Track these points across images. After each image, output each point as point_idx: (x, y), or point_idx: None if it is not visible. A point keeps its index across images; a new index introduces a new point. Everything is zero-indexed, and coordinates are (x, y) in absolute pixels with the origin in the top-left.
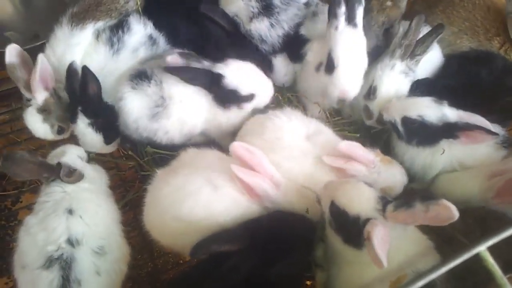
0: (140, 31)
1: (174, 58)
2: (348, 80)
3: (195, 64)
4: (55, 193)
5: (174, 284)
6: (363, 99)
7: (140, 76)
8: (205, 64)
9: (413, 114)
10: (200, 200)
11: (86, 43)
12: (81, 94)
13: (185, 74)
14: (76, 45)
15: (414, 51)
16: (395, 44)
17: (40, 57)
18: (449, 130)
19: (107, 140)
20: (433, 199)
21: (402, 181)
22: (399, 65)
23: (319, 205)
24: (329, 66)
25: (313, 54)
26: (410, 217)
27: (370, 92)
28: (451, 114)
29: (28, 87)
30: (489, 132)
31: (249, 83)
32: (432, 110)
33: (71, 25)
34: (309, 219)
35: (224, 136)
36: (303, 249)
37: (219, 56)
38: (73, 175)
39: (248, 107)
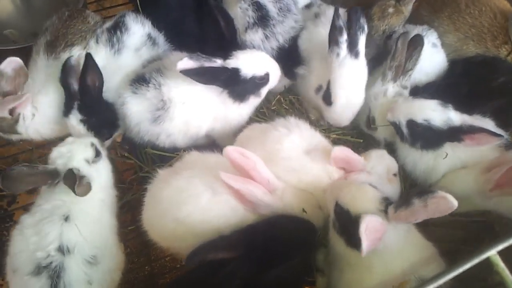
0: (138, 30)
1: (185, 62)
2: (343, 115)
3: (208, 64)
4: (56, 198)
5: None
6: (366, 128)
7: (138, 80)
8: (217, 61)
9: (419, 118)
10: (200, 204)
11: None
12: (80, 85)
13: (203, 76)
14: (54, 75)
15: (405, 68)
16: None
17: (27, 97)
18: (454, 134)
19: (98, 138)
20: (430, 193)
21: (387, 156)
22: (392, 89)
23: (319, 209)
24: (327, 98)
25: (314, 73)
26: (411, 214)
27: (369, 122)
28: (456, 117)
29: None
30: (493, 134)
31: (261, 64)
32: (438, 114)
33: (47, 55)
34: (308, 220)
35: (228, 136)
36: (302, 251)
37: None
38: (81, 185)
39: (265, 91)
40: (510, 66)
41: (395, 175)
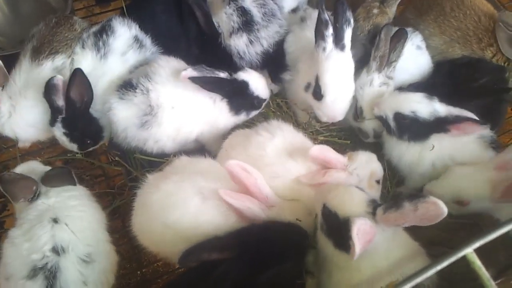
0: (125, 33)
1: (189, 72)
2: (335, 109)
3: (209, 75)
4: (39, 206)
5: None
6: (354, 121)
7: (125, 86)
8: (220, 74)
9: (405, 110)
10: (189, 209)
11: (43, 79)
12: (66, 100)
13: (210, 84)
14: (34, 81)
15: (389, 59)
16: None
17: None
18: (440, 124)
19: (81, 149)
20: (421, 197)
21: (374, 161)
22: (377, 78)
23: (310, 216)
24: (317, 93)
25: (301, 73)
26: (400, 217)
27: (357, 113)
28: (441, 108)
29: None
30: (478, 122)
31: (265, 90)
32: (424, 106)
33: (31, 60)
34: (300, 226)
35: (215, 141)
36: (294, 256)
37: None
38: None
39: (252, 114)
40: (493, 66)
41: (378, 182)
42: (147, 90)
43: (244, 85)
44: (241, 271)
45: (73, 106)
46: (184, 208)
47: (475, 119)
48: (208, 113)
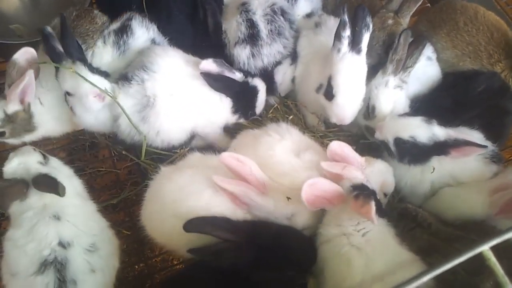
0: (143, 35)
1: (208, 64)
2: (345, 110)
3: (227, 73)
4: (35, 204)
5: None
6: (363, 119)
7: (120, 80)
8: (237, 74)
9: (405, 135)
10: (200, 202)
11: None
12: (62, 38)
13: (219, 82)
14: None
15: (405, 64)
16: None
17: (29, 73)
18: (440, 148)
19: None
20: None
21: (390, 174)
22: (393, 81)
23: None
24: (328, 93)
25: (313, 75)
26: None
27: (368, 111)
28: (440, 132)
29: None
30: (477, 145)
31: (262, 106)
32: (423, 130)
33: None
34: (314, 247)
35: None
36: (299, 268)
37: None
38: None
39: (241, 120)
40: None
41: (385, 195)
42: (142, 80)
43: (254, 91)
44: (246, 257)
45: (70, 42)
46: (196, 200)
47: (473, 143)
48: (210, 104)
